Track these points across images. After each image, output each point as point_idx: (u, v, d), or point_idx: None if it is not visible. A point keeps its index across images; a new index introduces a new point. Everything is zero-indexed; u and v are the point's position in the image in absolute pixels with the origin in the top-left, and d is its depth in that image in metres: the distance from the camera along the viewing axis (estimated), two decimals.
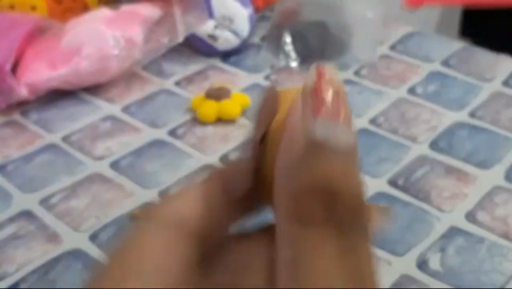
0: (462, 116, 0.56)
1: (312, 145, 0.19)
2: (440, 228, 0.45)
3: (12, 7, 0.67)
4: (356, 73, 0.63)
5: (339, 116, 0.19)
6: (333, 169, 0.19)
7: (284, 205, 0.20)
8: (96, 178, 0.51)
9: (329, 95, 0.19)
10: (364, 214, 0.19)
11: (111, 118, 0.58)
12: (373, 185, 0.49)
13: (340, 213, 0.19)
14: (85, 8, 0.68)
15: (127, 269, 0.21)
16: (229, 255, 0.23)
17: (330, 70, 0.20)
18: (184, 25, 0.64)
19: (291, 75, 0.63)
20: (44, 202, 0.49)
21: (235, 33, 0.65)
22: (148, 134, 0.56)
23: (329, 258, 0.19)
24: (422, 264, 0.42)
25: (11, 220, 0.47)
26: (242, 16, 0.65)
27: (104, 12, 0.64)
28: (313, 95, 0.19)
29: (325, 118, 0.19)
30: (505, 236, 0.44)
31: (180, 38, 0.64)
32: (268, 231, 0.24)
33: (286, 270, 0.19)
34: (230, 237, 0.24)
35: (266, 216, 0.23)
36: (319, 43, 0.64)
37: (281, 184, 0.20)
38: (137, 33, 0.62)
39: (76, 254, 0.44)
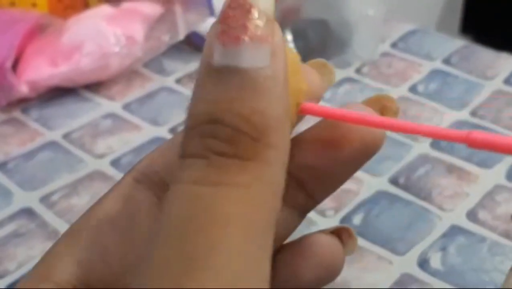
0: (463, 114, 0.56)
1: (208, 73, 0.17)
2: (441, 227, 0.45)
3: (12, 4, 0.67)
4: (357, 71, 0.63)
5: (241, 39, 0.17)
6: (221, 96, 0.17)
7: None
8: (96, 176, 0.51)
9: (235, 19, 0.17)
10: (261, 148, 0.17)
11: (112, 115, 0.58)
12: (374, 183, 0.49)
13: (216, 144, 0.16)
14: (86, 5, 0.68)
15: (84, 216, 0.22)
16: None
17: None
18: (185, 22, 0.64)
19: None
20: (45, 199, 0.49)
21: None
22: (149, 131, 0.56)
23: (182, 188, 0.16)
24: (423, 263, 0.42)
25: (12, 218, 0.47)
26: None
27: (105, 9, 0.64)
28: (220, 20, 0.18)
29: (227, 43, 0.17)
30: (507, 235, 0.44)
31: (181, 36, 0.64)
32: None
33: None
34: None
35: None
36: (320, 41, 0.64)
37: None
38: (138, 30, 0.62)
39: None
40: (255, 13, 0.17)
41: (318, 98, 0.22)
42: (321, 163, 0.22)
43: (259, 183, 0.16)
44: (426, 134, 0.19)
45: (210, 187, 0.16)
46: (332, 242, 0.24)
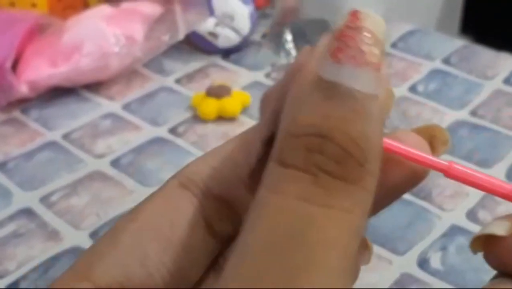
0: (463, 114, 0.56)
1: (318, 85, 0.17)
2: (441, 227, 0.45)
3: (12, 4, 0.67)
4: None
5: (358, 62, 0.17)
6: (332, 113, 0.17)
7: (275, 145, 0.18)
8: (96, 176, 0.51)
9: (353, 40, 0.17)
10: (364, 173, 0.17)
11: (112, 115, 0.58)
12: None
13: (324, 161, 0.17)
14: (86, 5, 0.68)
15: (125, 222, 0.22)
16: None
17: (367, 16, 0.18)
18: (184, 22, 0.64)
19: None
20: (45, 199, 0.49)
21: (235, 30, 0.65)
22: (148, 131, 0.56)
23: (286, 201, 0.17)
24: (423, 263, 0.42)
25: (12, 218, 0.47)
26: (243, 14, 0.65)
27: (105, 9, 0.64)
28: (336, 37, 0.18)
29: (343, 61, 0.17)
30: None
31: (181, 36, 0.64)
32: None
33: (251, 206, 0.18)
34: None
35: None
36: (319, 41, 0.64)
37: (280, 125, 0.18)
38: (137, 30, 0.62)
39: (76, 252, 0.44)
40: (373, 39, 0.17)
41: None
42: None
43: (359, 210, 0.17)
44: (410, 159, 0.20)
45: (318, 207, 0.16)
46: None
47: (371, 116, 0.17)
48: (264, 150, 0.20)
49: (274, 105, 0.20)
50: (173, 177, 0.22)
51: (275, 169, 0.17)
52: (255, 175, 0.20)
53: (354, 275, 0.19)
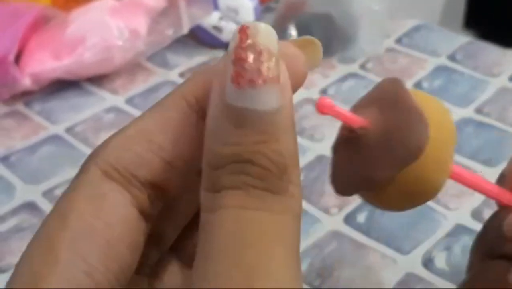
0: (468, 112, 0.56)
1: (227, 112, 0.18)
2: (446, 226, 0.45)
3: None
4: (362, 66, 0.63)
5: (257, 83, 0.18)
6: (245, 141, 0.18)
7: (202, 176, 0.19)
8: None
9: (248, 62, 0.18)
10: (286, 184, 0.19)
11: (115, 109, 0.58)
12: None
13: (250, 180, 0.18)
14: None
15: (51, 250, 0.19)
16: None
17: (256, 30, 0.19)
18: (188, 16, 0.63)
19: None
20: (48, 193, 0.49)
21: (240, 24, 0.65)
22: None
23: (227, 211, 0.18)
24: (427, 263, 0.42)
25: (14, 212, 0.47)
26: (247, 8, 0.65)
27: (108, 2, 0.64)
28: (233, 61, 0.18)
29: (243, 85, 0.18)
30: None
31: (185, 30, 0.63)
32: None
33: (199, 235, 0.19)
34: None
35: None
36: (324, 36, 0.63)
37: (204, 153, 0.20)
38: (141, 24, 0.62)
39: None
40: (267, 54, 0.18)
41: (301, 81, 0.21)
42: None
43: (289, 212, 0.19)
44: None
45: (255, 211, 0.18)
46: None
47: (280, 130, 0.19)
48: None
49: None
50: (93, 164, 0.21)
51: (208, 196, 0.19)
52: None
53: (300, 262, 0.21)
